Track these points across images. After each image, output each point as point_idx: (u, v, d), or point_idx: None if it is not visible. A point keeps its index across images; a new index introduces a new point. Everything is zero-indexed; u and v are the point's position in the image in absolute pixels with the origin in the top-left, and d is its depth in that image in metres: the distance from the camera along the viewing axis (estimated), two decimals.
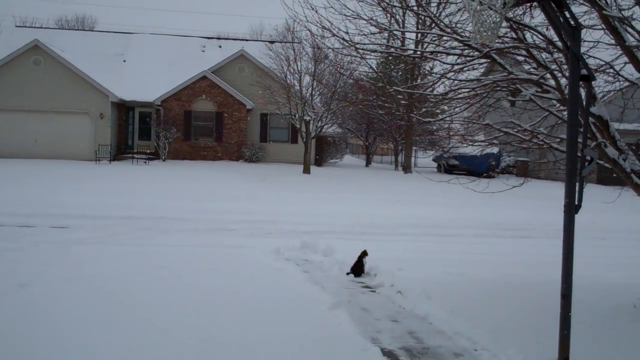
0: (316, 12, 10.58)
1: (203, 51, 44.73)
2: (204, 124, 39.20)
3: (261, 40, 46.77)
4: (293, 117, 36.14)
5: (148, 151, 38.68)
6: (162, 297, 9.22)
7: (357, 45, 11.13)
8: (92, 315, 8.09)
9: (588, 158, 6.74)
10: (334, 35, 10.77)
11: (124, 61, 42.93)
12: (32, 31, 44.22)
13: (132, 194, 24.37)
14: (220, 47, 45.34)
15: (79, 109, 37.48)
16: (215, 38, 48.60)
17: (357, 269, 11.84)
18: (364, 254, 11.98)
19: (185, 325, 7.83)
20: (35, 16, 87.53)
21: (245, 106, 39.04)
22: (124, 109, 40.16)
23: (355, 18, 11.16)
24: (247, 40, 49.58)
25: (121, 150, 39.88)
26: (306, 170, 35.28)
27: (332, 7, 10.90)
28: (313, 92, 35.65)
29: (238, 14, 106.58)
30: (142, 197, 23.48)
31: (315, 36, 13.80)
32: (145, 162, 36.13)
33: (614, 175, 9.33)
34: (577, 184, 6.51)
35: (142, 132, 41.06)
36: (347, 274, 11.85)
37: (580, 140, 6.84)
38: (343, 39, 10.77)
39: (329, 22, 10.53)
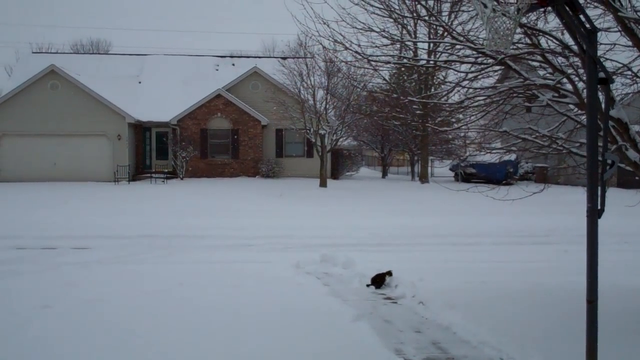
0: (328, 26, 10.59)
1: (217, 70, 44.96)
2: (220, 142, 39.33)
3: (274, 57, 46.96)
4: (308, 131, 36.18)
5: (166, 170, 38.84)
6: (184, 315, 9.20)
7: (370, 58, 11.13)
8: (106, 339, 8.08)
9: (609, 162, 6.66)
10: (346, 48, 10.77)
11: (139, 82, 43.23)
12: (49, 57, 44.63)
13: (151, 213, 24.47)
14: (233, 65, 45.56)
15: (97, 131, 37.76)
16: (228, 56, 48.84)
17: (379, 280, 11.77)
18: (389, 274, 11.93)
19: (209, 343, 7.80)
20: (51, 42, 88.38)
21: (260, 122, 39.15)
22: (140, 129, 40.41)
23: (367, 30, 11.15)
24: (259, 57, 49.82)
25: (139, 170, 40.08)
26: (323, 184, 35.26)
27: (343, 20, 10.91)
28: (327, 106, 35.70)
29: (250, 32, 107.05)
30: (162, 216, 23.57)
31: (328, 50, 13.81)
32: (163, 181, 36.30)
33: (636, 178, 9.25)
34: (599, 189, 6.45)
35: (159, 151, 41.26)
36: (368, 285, 11.78)
37: (600, 144, 6.78)
38: (355, 51, 10.77)
39: (341, 35, 10.54)
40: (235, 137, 39.25)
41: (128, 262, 14.29)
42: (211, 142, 39.25)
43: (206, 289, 11.21)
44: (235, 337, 8.05)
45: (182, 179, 37.59)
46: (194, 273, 12.85)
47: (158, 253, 15.79)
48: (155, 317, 9.12)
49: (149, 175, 38.09)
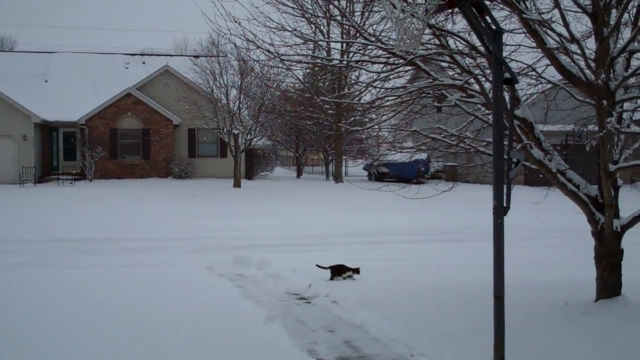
0: (239, 24, 10.47)
1: (127, 68, 44.01)
2: (130, 142, 38.51)
3: (186, 55, 46.26)
4: (221, 131, 35.84)
5: (74, 172, 37.70)
6: (96, 321, 8.93)
7: (283, 57, 11.08)
8: (8, 345, 7.76)
9: (514, 160, 6.83)
10: (258, 47, 10.69)
11: (46, 81, 41.83)
12: None
13: (58, 215, 23.73)
14: (144, 63, 44.69)
15: (1, 131, 36.32)
16: (138, 54, 47.88)
17: (335, 270, 12.11)
18: (356, 271, 12.24)
19: (121, 347, 7.59)
20: None
21: (172, 122, 38.56)
22: (47, 129, 39.13)
23: (280, 30, 11.11)
24: (171, 55, 49.00)
25: (46, 172, 38.77)
26: (237, 184, 35.02)
27: (255, 19, 10.83)
28: (240, 106, 35.47)
29: (161, 30, 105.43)
30: (70, 219, 22.89)
31: (240, 49, 13.70)
32: (71, 183, 35.26)
33: (541, 175, 9.54)
34: (505, 186, 6.60)
35: (67, 152, 40.07)
36: (330, 278, 12.13)
37: (506, 142, 6.94)
38: (268, 50, 10.71)
39: (253, 34, 10.45)
40: (146, 137, 38.53)
41: (37, 267, 13.79)
42: (121, 143, 38.37)
43: (118, 293, 10.93)
44: (147, 341, 7.87)
45: (91, 180, 36.61)
46: (105, 277, 12.52)
47: (68, 257, 15.33)
48: (65, 323, 8.80)
49: (56, 177, 36.88)
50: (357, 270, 12.24)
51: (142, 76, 40.19)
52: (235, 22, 10.47)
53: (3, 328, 8.48)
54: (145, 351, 7.49)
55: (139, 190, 32.03)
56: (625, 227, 9.04)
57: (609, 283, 9.05)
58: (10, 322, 8.80)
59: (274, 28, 11.06)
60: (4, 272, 12.97)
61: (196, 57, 39.41)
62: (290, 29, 11.16)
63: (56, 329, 8.54)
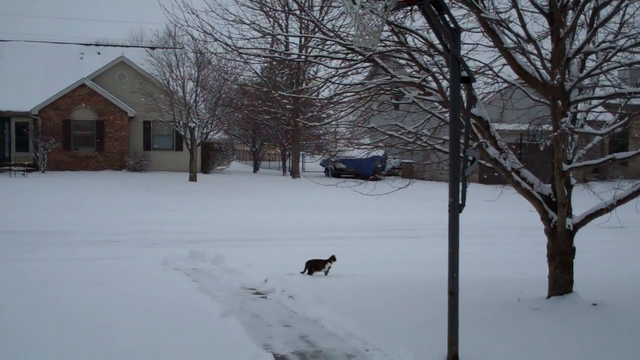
0: (197, 16, 10.36)
1: (81, 58, 43.25)
2: (84, 133, 37.86)
3: (142, 47, 45.59)
4: (177, 124, 35.48)
5: (26, 163, 36.87)
6: (46, 315, 8.77)
7: (240, 50, 11.00)
8: None
9: (470, 158, 6.91)
10: (216, 40, 10.59)
11: None
12: None
13: (9, 207, 23.24)
14: (99, 53, 43.98)
15: None
16: (94, 44, 47.05)
17: (311, 266, 12.36)
18: (332, 259, 12.49)
19: (72, 342, 7.47)
20: None
21: (127, 114, 38.04)
22: None
23: (238, 23, 11.01)
24: (127, 46, 48.25)
25: None
26: (192, 178, 34.73)
27: (213, 11, 10.71)
28: (197, 99, 35.14)
29: (117, 20, 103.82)
30: (21, 211, 22.45)
31: (197, 41, 13.57)
32: (23, 175, 34.52)
33: (496, 174, 9.65)
34: (460, 184, 6.67)
35: (19, 143, 39.16)
36: (302, 272, 12.43)
37: (462, 140, 7.01)
38: (226, 43, 10.61)
39: (211, 26, 10.34)
40: (101, 128, 37.93)
41: None
42: (75, 134, 37.71)
43: (70, 287, 10.76)
44: (100, 336, 7.76)
45: (43, 172, 35.91)
46: (57, 270, 12.32)
47: (18, 250, 15.03)
48: (13, 317, 8.63)
49: (7, 168, 36.03)
50: (333, 258, 12.38)
51: (97, 67, 39.54)
52: (193, 13, 10.36)
53: None
54: (96, 345, 7.38)
55: (92, 183, 31.55)
56: (578, 225, 9.20)
57: (560, 280, 9.21)
58: None
59: (232, 21, 10.95)
60: None
61: (152, 48, 38.90)
62: (248, 22, 11.07)
63: (3, 320, 8.38)
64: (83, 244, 16.18)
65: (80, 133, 37.83)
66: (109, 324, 8.37)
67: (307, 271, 12.44)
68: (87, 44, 46.34)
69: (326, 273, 12.42)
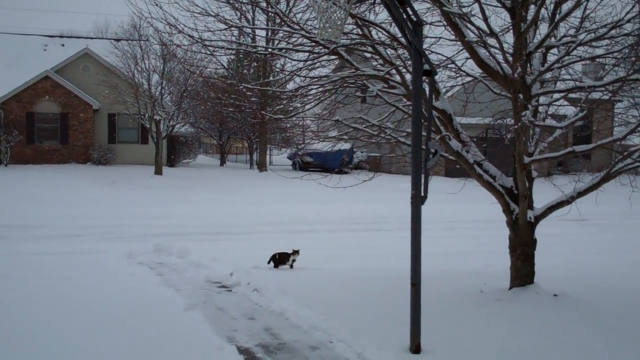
0: (161, 8, 10.29)
1: (45, 50, 42.61)
2: (48, 126, 37.33)
3: (107, 38, 45.05)
4: (142, 116, 35.17)
5: None
6: (6, 310, 8.68)
7: (206, 42, 10.95)
8: None
9: (432, 151, 6.97)
10: (180, 32, 10.53)
11: None
12: None
13: None
14: (63, 45, 43.36)
15: None
16: (57, 36, 46.37)
17: (280, 259, 12.49)
18: (296, 252, 12.55)
19: (33, 336, 7.40)
20: None
21: (91, 106, 37.59)
22: None
23: (204, 15, 10.95)
24: (92, 38, 47.68)
25: None
26: (158, 172, 34.47)
27: (177, 3, 10.63)
28: (163, 91, 34.88)
29: (81, 12, 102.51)
30: None
31: (162, 33, 13.47)
32: None
33: (458, 166, 9.74)
34: (423, 176, 6.72)
35: None
36: (268, 262, 12.50)
37: (424, 133, 7.07)
38: (190, 35, 10.55)
39: (175, 18, 10.28)
40: (65, 121, 37.42)
41: None
42: (38, 127, 37.15)
43: (32, 281, 10.65)
44: (61, 329, 7.70)
45: (6, 165, 35.36)
46: (19, 265, 12.19)
47: None
48: None
49: None
50: (297, 252, 12.43)
51: (61, 59, 38.99)
52: (157, 5, 10.28)
53: None
54: (57, 338, 7.32)
55: (57, 177, 31.16)
56: (539, 217, 9.34)
57: (522, 272, 9.34)
58: None
59: (197, 13, 10.90)
60: None
61: (117, 40, 38.47)
62: (213, 14, 11.02)
63: None
64: (47, 238, 16.00)
65: (44, 126, 37.29)
66: (71, 318, 8.31)
67: (272, 263, 12.46)
68: (50, 36, 45.65)
69: (291, 266, 12.46)
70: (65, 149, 37.44)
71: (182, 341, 7.36)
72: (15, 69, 38.94)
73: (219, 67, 35.33)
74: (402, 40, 8.26)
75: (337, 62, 11.70)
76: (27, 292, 9.77)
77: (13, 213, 20.30)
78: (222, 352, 6.97)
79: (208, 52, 12.72)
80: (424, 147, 6.87)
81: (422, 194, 6.65)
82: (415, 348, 6.80)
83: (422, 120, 7.30)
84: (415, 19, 6.72)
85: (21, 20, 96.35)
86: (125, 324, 8.11)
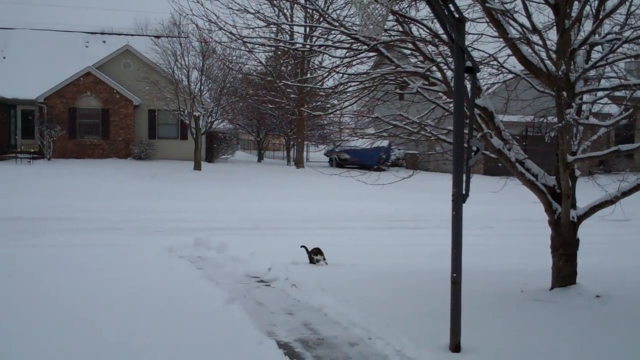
0: (202, 5, 10.38)
1: (87, 47, 43.26)
2: (89, 122, 37.93)
3: (147, 35, 45.59)
4: (182, 113, 35.51)
5: (32, 150, 36.97)
6: (45, 302, 8.82)
7: (245, 39, 11.01)
8: None
9: (474, 148, 6.92)
10: (220, 29, 10.60)
11: (4, 57, 40.92)
12: None
13: (14, 194, 23.31)
14: (104, 42, 43.99)
15: None
16: (99, 33, 47.05)
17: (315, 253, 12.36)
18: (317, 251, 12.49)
19: (71, 330, 7.51)
20: None
21: (132, 102, 38.08)
22: (4, 107, 38.25)
23: (243, 12, 11.02)
24: (132, 35, 48.28)
25: (3, 150, 37.92)
26: (197, 167, 34.80)
27: (218, 0, 10.73)
28: (202, 88, 35.17)
29: (122, 9, 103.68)
30: (26, 197, 22.51)
31: (202, 30, 13.57)
32: (29, 162, 34.62)
33: (500, 164, 9.65)
34: (464, 174, 6.67)
35: (25, 130, 39.25)
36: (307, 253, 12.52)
37: (466, 131, 7.01)
38: (230, 32, 10.63)
39: (216, 15, 10.35)
40: (106, 117, 37.98)
41: None
42: (80, 122, 37.77)
43: (71, 273, 10.80)
44: (100, 323, 7.79)
45: (49, 159, 36.02)
46: (58, 257, 12.36)
47: (20, 236, 15.09)
48: (11, 302, 8.69)
49: (14, 155, 36.12)
50: (316, 251, 12.48)
51: (102, 55, 39.57)
52: (198, 2, 10.38)
53: None
54: (98, 330, 7.43)
55: (98, 171, 31.63)
56: (582, 217, 9.20)
57: (564, 272, 9.22)
58: None
59: (236, 10, 10.97)
60: None
61: (157, 37, 38.86)
62: (252, 11, 11.08)
63: (6, 305, 8.43)
64: (87, 231, 16.23)
65: (86, 121, 37.90)
66: (112, 309, 8.43)
67: (307, 257, 12.45)
68: (92, 33, 46.35)
69: (316, 262, 12.38)
70: (106, 144, 37.99)
71: (222, 334, 7.41)
72: (58, 65, 39.64)
73: (257, 64, 35.47)
74: (444, 37, 8.21)
75: (375, 59, 11.69)
76: (66, 284, 9.90)
77: (54, 206, 20.64)
78: (262, 346, 7.00)
79: (247, 49, 12.81)
80: (465, 145, 6.82)
81: (464, 192, 6.60)
82: (455, 347, 6.76)
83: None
84: (457, 16, 6.67)
85: (64, 17, 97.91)
86: (165, 316, 8.19)
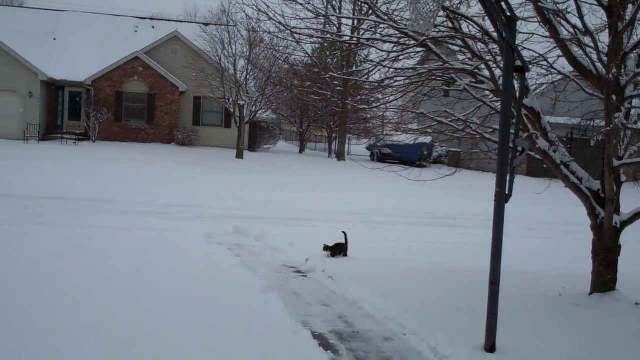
0: None
1: (136, 31, 43.75)
2: (135, 106, 38.42)
3: (195, 22, 45.96)
4: (227, 101, 35.73)
5: (78, 132, 37.66)
6: (88, 280, 9.00)
7: (293, 30, 11.06)
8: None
9: (519, 149, 6.86)
10: (270, 18, 10.68)
11: (54, 39, 41.57)
12: None
13: (60, 174, 23.74)
14: (153, 27, 44.44)
15: (7, 87, 36.15)
16: (148, 18, 47.59)
17: (337, 249, 12.23)
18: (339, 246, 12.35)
19: (111, 311, 7.66)
20: None
21: (178, 88, 38.45)
22: (53, 88, 38.97)
23: (292, 2, 11.08)
24: (181, 21, 48.72)
25: (50, 130, 38.67)
26: (239, 155, 35.02)
27: None
28: (248, 77, 35.34)
29: None
30: (71, 178, 22.91)
31: (251, 19, 13.66)
32: (74, 143, 35.23)
33: (544, 166, 9.55)
34: (508, 174, 6.63)
35: (72, 112, 39.91)
36: (324, 249, 12.22)
37: (512, 131, 6.96)
38: (279, 22, 10.69)
39: (266, 4, 10.43)
40: (152, 102, 38.43)
41: (32, 224, 13.83)
42: (126, 106, 38.28)
43: (113, 254, 10.98)
44: (139, 304, 7.93)
45: (94, 141, 36.61)
46: (101, 238, 12.57)
47: (65, 216, 15.37)
48: (56, 279, 8.88)
49: (60, 135, 36.79)
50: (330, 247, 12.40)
51: (151, 41, 40.00)
52: None
53: None
54: (138, 311, 7.56)
55: (141, 155, 32.03)
56: (625, 223, 9.07)
57: (604, 277, 9.11)
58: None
59: (286, 0, 11.03)
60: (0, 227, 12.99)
61: (206, 24, 39.18)
62: (302, 2, 11.13)
63: (50, 284, 8.62)
64: (128, 213, 16.45)
65: (132, 105, 38.41)
66: (151, 291, 8.57)
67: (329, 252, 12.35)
68: (142, 18, 46.90)
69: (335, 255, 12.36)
70: (151, 128, 38.46)
71: (258, 322, 7.48)
72: (107, 48, 40.21)
73: (303, 56, 35.57)
74: (494, 35, 8.15)
75: (421, 54, 11.63)
76: (108, 266, 10.08)
77: (97, 188, 20.96)
78: (297, 336, 7.06)
79: (294, 40, 12.86)
80: (511, 144, 6.77)
81: (507, 192, 6.56)
82: (490, 347, 6.74)
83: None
84: (509, 14, 6.61)
85: (114, 2, 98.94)
86: (203, 300, 8.30)
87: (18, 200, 17.25)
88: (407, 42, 9.70)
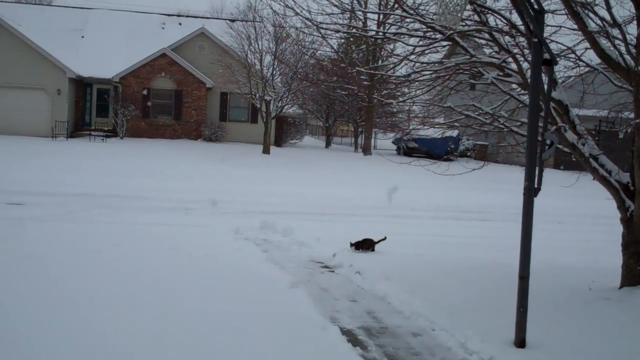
0: None
1: (163, 28, 44.04)
2: (162, 102, 38.67)
3: (222, 19, 46.18)
4: (253, 96, 35.82)
5: (106, 128, 38.05)
6: (118, 275, 9.10)
7: (320, 25, 11.08)
8: (33, 294, 7.92)
9: (548, 142, 6.82)
10: (297, 14, 10.71)
11: (82, 37, 42.01)
12: None
13: (89, 171, 24.03)
14: (180, 24, 44.70)
15: (36, 84, 36.61)
16: (175, 15, 47.87)
17: (364, 245, 12.27)
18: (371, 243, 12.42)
19: (142, 303, 7.74)
20: None
21: (205, 85, 38.65)
22: (81, 85, 39.39)
23: None
24: (207, 18, 48.96)
25: (78, 127, 39.10)
26: (266, 151, 35.12)
27: None
28: (274, 72, 35.40)
29: None
30: (100, 175, 23.17)
31: (278, 14, 13.69)
32: (102, 140, 35.58)
33: (573, 159, 9.47)
34: (537, 167, 6.59)
35: (99, 109, 40.33)
36: (351, 245, 12.29)
37: (540, 124, 6.92)
38: (306, 18, 10.71)
39: (293, 0, 10.45)
40: (179, 98, 38.65)
41: (63, 220, 14.01)
42: (154, 102, 38.55)
43: (142, 250, 11.08)
44: (169, 299, 8.00)
45: (122, 138, 36.94)
46: (130, 234, 12.69)
47: (94, 212, 15.54)
48: (87, 275, 8.99)
49: (88, 132, 37.20)
50: (371, 242, 12.44)
51: (178, 37, 40.22)
52: None
53: (25, 279, 8.66)
54: (168, 305, 7.63)
55: (169, 151, 32.28)
56: None
57: (634, 271, 9.01)
58: (35, 271, 9.00)
59: None
60: (28, 224, 13.16)
61: (232, 21, 39.29)
62: None
63: (80, 278, 8.73)
64: (157, 209, 16.59)
65: (159, 101, 38.66)
66: (180, 287, 8.64)
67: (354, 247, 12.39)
68: (168, 15, 47.19)
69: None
70: (178, 124, 38.70)
71: (286, 318, 7.52)
72: (134, 45, 40.51)
73: (329, 51, 35.53)
74: (521, 28, 8.10)
75: (447, 48, 11.58)
76: (134, 261, 10.17)
77: (125, 184, 21.17)
78: (326, 331, 7.08)
79: (320, 35, 12.87)
80: (539, 137, 6.73)
81: (536, 186, 6.52)
82: (520, 342, 6.71)
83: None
84: (537, 7, 6.57)
85: None
86: (230, 295, 8.37)
87: (49, 197, 17.48)
88: (434, 36, 9.67)
